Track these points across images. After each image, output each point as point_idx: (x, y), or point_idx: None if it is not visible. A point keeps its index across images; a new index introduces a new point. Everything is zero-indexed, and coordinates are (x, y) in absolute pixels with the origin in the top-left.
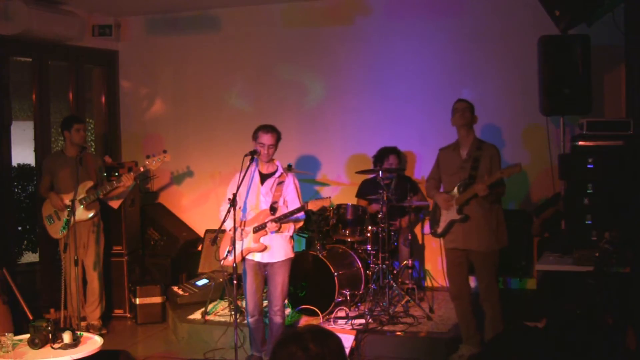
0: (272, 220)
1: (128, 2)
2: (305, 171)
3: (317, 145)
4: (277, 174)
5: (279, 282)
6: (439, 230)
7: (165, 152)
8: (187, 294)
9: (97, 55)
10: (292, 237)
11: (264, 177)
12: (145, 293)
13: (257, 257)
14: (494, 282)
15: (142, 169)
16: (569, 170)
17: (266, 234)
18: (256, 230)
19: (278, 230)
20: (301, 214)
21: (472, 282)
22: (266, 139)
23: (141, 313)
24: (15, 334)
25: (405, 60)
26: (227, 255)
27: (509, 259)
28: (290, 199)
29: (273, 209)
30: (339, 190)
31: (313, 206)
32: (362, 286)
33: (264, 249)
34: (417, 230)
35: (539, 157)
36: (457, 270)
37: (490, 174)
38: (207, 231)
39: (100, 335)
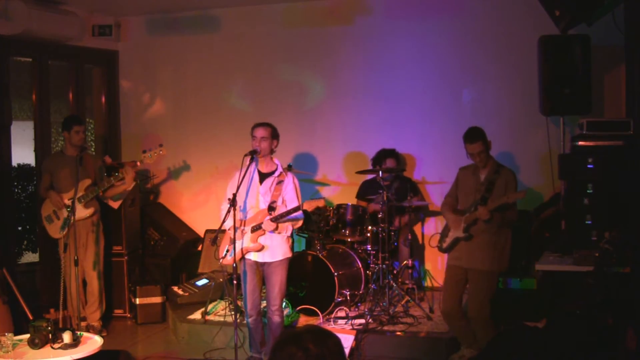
0: (269, 220)
1: (128, 2)
2: (305, 171)
3: (316, 145)
4: (276, 173)
5: (277, 281)
6: (445, 245)
7: (161, 145)
8: (187, 294)
9: (97, 55)
10: (290, 236)
11: (263, 176)
12: (145, 293)
13: (255, 256)
14: (487, 303)
15: (139, 164)
16: (569, 170)
17: (264, 233)
18: (254, 229)
19: (275, 230)
20: (299, 214)
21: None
22: (258, 132)
23: (141, 313)
24: (15, 334)
25: (405, 60)
26: (226, 255)
27: (509, 259)
28: (289, 199)
29: (271, 208)
30: (339, 190)
31: (308, 206)
32: (362, 286)
33: (261, 248)
34: (417, 230)
35: (539, 157)
36: (454, 287)
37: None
38: (207, 231)
39: (100, 336)
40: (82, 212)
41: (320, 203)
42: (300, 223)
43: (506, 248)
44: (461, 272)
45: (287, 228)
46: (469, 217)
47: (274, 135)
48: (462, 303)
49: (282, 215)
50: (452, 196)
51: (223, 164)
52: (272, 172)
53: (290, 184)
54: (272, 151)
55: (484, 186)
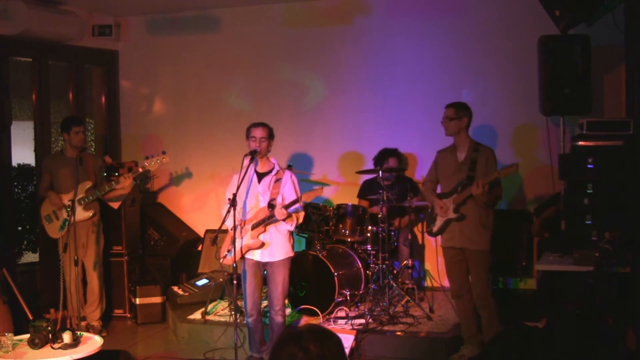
0: (281, 208)
1: (128, 2)
2: (305, 171)
3: (316, 145)
4: (273, 172)
5: (279, 281)
6: (435, 229)
7: (164, 153)
8: (187, 294)
9: (97, 55)
10: (292, 234)
11: (261, 176)
12: (145, 293)
13: (257, 256)
14: (486, 283)
15: (140, 170)
16: (569, 170)
17: (264, 230)
18: (254, 227)
19: (288, 219)
20: (299, 206)
21: None
22: (256, 132)
23: (141, 313)
24: (15, 334)
25: (405, 60)
26: (226, 255)
27: (509, 259)
28: (288, 196)
29: (271, 205)
30: (339, 189)
31: (306, 197)
32: (362, 286)
33: (261, 245)
34: (417, 230)
35: (539, 157)
36: (456, 268)
37: (485, 175)
38: (207, 231)
39: (100, 336)
40: (81, 214)
41: (318, 192)
42: (301, 217)
43: (491, 227)
44: (457, 253)
45: (292, 221)
46: (457, 197)
47: (271, 135)
48: (469, 283)
49: (289, 205)
50: (432, 180)
51: (224, 166)
52: (270, 171)
53: (288, 181)
54: (268, 150)
55: (466, 165)
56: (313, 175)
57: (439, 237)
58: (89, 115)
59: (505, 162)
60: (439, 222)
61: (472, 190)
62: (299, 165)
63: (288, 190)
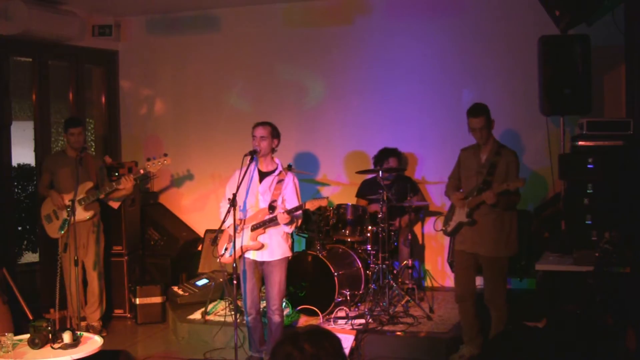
0: (283, 212)
1: (128, 2)
2: (305, 171)
3: (317, 145)
4: (276, 172)
5: (276, 281)
6: (449, 229)
7: (166, 155)
8: (187, 294)
9: (97, 55)
10: (290, 236)
11: (262, 175)
12: (145, 293)
13: (254, 255)
14: (501, 287)
15: (142, 172)
16: (569, 170)
17: (264, 232)
18: (254, 228)
19: (290, 224)
20: (299, 213)
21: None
22: (257, 131)
23: (141, 313)
24: (15, 334)
25: (405, 60)
26: (224, 253)
27: (509, 258)
28: (288, 198)
29: (272, 207)
30: (339, 190)
31: (310, 206)
32: (362, 286)
33: (260, 246)
34: (417, 230)
35: (539, 157)
36: (464, 272)
37: (506, 180)
38: (207, 231)
39: (100, 336)
40: (82, 214)
41: (323, 202)
42: (300, 222)
43: (512, 232)
44: (468, 257)
45: (293, 225)
46: (472, 201)
47: (274, 134)
48: (474, 287)
49: (292, 211)
50: (455, 177)
51: (224, 165)
52: (272, 172)
53: (290, 183)
54: (272, 150)
55: (485, 169)
56: (313, 175)
57: (440, 238)
58: (89, 116)
59: None
60: (453, 223)
61: (485, 198)
62: (300, 165)
63: (289, 193)
